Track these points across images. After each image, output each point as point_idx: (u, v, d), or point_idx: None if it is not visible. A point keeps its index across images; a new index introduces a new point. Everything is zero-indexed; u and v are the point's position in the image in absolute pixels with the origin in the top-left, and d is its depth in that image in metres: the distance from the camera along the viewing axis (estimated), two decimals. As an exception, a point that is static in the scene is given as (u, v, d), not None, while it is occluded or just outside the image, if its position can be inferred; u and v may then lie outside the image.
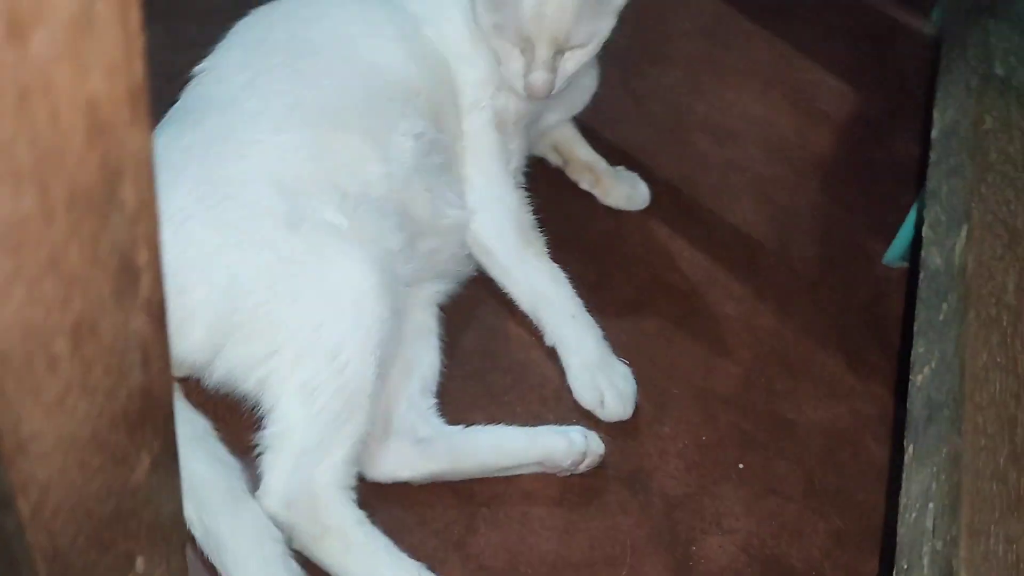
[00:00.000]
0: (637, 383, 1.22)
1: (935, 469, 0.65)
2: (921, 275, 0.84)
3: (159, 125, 1.15)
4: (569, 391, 1.22)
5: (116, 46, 0.38)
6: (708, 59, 1.80)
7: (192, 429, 1.03)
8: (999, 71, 0.95)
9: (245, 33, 1.23)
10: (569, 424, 1.18)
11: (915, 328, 0.82)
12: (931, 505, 0.63)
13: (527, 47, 1.19)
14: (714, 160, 1.61)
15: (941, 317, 0.76)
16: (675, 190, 1.54)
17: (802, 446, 1.25)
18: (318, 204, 1.05)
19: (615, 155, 1.55)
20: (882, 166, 1.70)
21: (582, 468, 1.13)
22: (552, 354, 1.25)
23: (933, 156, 0.95)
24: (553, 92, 1.22)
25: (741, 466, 1.21)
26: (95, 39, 0.37)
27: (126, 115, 0.40)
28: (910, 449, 0.71)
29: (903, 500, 0.68)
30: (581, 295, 1.27)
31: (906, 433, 0.74)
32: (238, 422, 1.05)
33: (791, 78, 1.82)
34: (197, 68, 1.20)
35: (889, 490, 1.22)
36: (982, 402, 0.66)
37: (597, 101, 1.46)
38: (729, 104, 1.72)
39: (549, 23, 1.16)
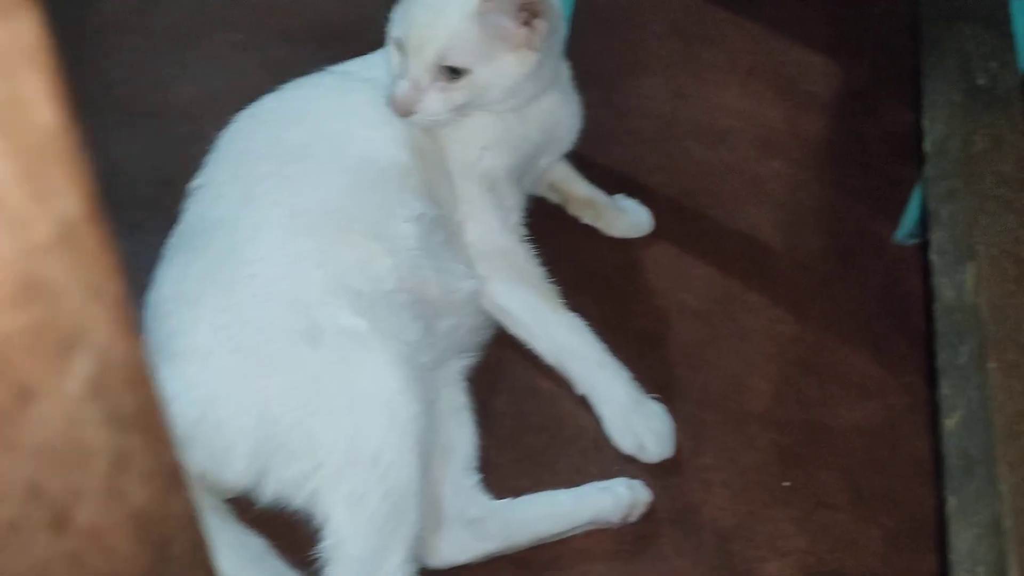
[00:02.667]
0: (672, 418, 1.24)
1: (979, 532, 0.66)
2: (936, 305, 0.85)
3: (168, 248, 1.17)
4: (607, 439, 1.24)
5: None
6: (686, 59, 1.80)
7: (249, 552, 1.06)
8: (981, 81, 0.95)
9: (231, 143, 1.24)
10: (613, 474, 1.20)
11: (937, 364, 0.83)
12: (980, 569, 0.65)
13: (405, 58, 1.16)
14: (710, 166, 1.61)
15: (961, 360, 0.77)
16: (677, 206, 1.54)
17: (842, 452, 1.27)
18: (333, 311, 1.07)
19: (612, 180, 1.55)
20: (876, 140, 1.69)
21: (632, 519, 1.15)
22: (584, 403, 1.26)
23: (928, 171, 0.95)
24: (422, 119, 1.17)
25: (786, 484, 1.23)
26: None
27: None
28: (952, 501, 0.73)
29: (952, 555, 0.70)
30: (601, 335, 1.29)
31: (945, 482, 0.76)
32: (297, 536, 1.08)
33: (771, 63, 1.81)
34: (193, 184, 1.22)
35: (935, 484, 1.23)
36: (1015, 460, 0.68)
37: (584, 126, 1.46)
38: (715, 104, 1.72)
39: (421, 25, 1.13)
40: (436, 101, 1.17)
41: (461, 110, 1.20)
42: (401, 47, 1.18)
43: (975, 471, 0.70)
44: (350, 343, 1.06)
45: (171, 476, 0.38)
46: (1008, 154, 0.88)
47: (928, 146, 0.97)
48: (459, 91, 1.18)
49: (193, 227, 1.15)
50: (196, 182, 1.20)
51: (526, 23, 1.16)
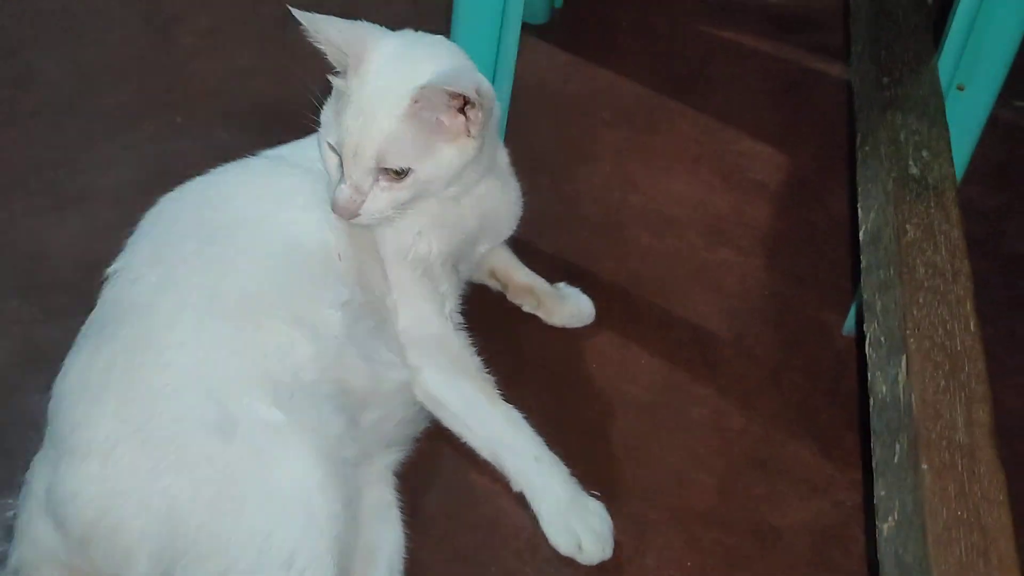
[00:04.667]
0: (612, 516, 1.18)
1: (915, 650, 0.61)
2: (871, 401, 0.81)
3: (77, 338, 1.11)
4: (544, 538, 1.17)
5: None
6: (634, 147, 1.79)
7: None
8: (914, 170, 0.93)
9: (153, 225, 1.19)
10: (548, 577, 1.14)
11: (873, 464, 0.79)
12: None
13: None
14: (657, 254, 1.59)
15: (896, 460, 0.73)
16: (622, 294, 1.51)
17: (791, 554, 1.21)
18: (250, 402, 1.01)
19: (555, 267, 1.52)
20: (823, 229, 1.68)
21: (567, 627, 1.08)
22: (521, 500, 1.20)
23: (863, 260, 0.93)
24: (368, 219, 1.15)
25: (732, 588, 1.17)
26: None
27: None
28: (889, 614, 0.68)
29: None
30: (540, 427, 1.23)
31: (882, 592, 0.71)
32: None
33: (719, 151, 1.81)
34: (110, 269, 1.16)
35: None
36: (949, 570, 0.63)
37: (530, 212, 1.44)
38: (662, 191, 1.70)
39: (354, 132, 1.11)
40: (380, 201, 1.15)
41: (407, 205, 1.17)
42: (337, 151, 1.15)
43: (911, 582, 0.65)
44: (265, 436, 1.00)
45: None
46: (940, 244, 0.86)
47: (863, 235, 0.95)
48: (404, 189, 1.15)
49: (106, 313, 1.09)
50: (114, 266, 1.15)
51: (461, 110, 1.14)
